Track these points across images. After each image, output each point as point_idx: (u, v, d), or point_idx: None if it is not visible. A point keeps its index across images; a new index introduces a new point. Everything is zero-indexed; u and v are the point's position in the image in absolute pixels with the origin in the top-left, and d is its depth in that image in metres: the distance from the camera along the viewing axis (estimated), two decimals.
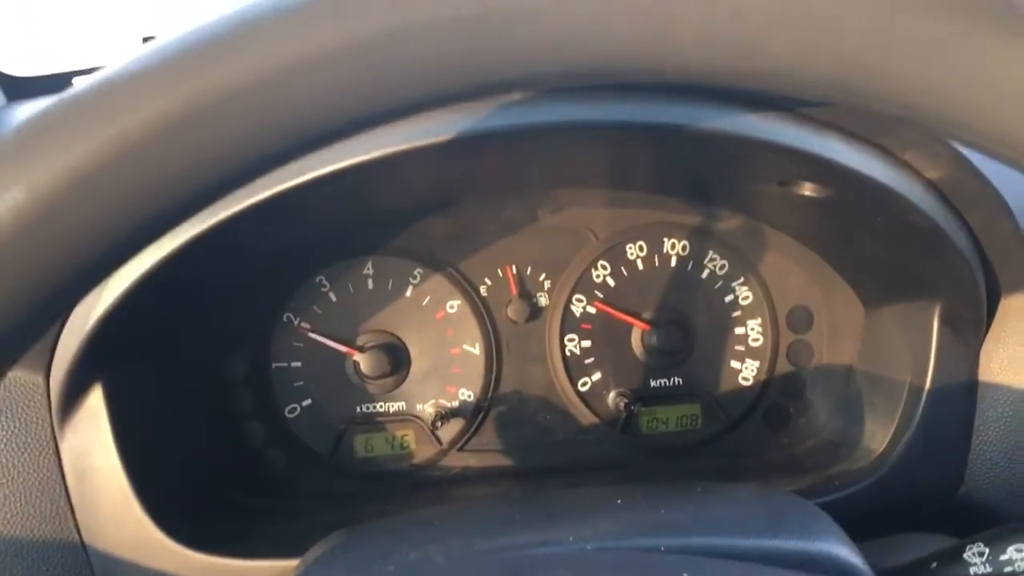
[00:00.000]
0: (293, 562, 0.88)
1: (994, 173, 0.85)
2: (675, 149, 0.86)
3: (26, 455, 0.89)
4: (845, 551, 0.69)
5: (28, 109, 1.25)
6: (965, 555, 0.72)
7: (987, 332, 0.97)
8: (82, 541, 0.90)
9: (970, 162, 0.83)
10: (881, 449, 1.01)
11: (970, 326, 0.96)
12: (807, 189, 0.89)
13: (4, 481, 0.88)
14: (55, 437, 0.89)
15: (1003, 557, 0.71)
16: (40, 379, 0.89)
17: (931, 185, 0.84)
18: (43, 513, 0.89)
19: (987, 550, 0.72)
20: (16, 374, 0.89)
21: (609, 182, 1.07)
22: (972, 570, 0.71)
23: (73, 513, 0.90)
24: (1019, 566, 0.70)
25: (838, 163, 0.78)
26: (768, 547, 0.69)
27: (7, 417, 0.89)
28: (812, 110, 0.79)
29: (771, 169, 0.87)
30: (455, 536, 0.74)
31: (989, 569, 0.71)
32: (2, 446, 0.88)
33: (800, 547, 0.69)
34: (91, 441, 0.90)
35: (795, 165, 0.82)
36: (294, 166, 0.78)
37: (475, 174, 1.00)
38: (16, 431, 0.89)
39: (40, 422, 0.89)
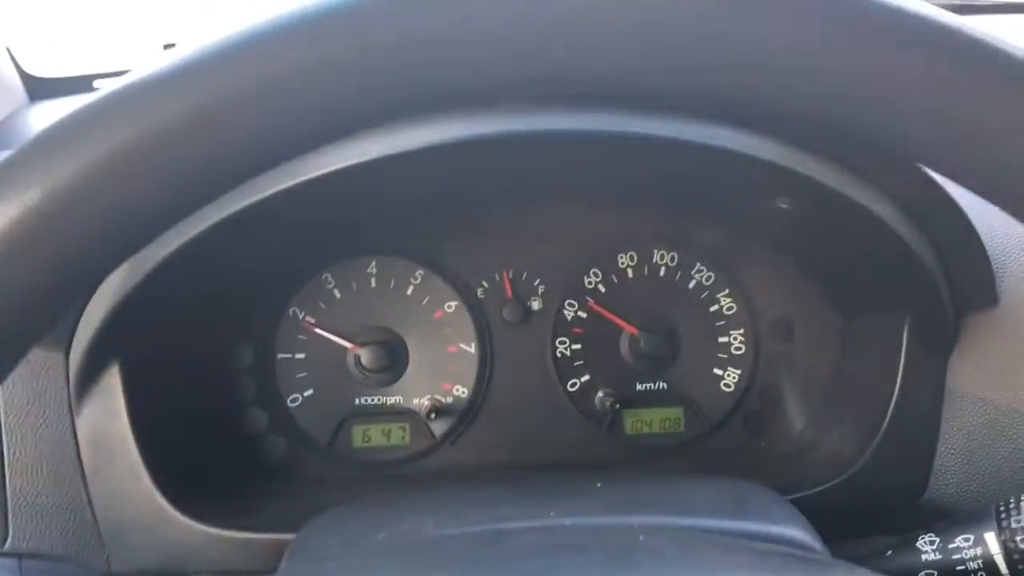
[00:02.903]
0: (291, 536, 0.94)
1: (960, 195, 0.90)
2: (660, 161, 0.92)
3: (44, 426, 0.95)
4: (802, 533, 0.75)
5: (50, 108, 1.33)
6: (918, 543, 0.78)
7: (955, 346, 1.03)
8: (92, 508, 0.96)
9: (937, 183, 0.89)
10: (850, 454, 1.06)
11: (938, 340, 1.02)
12: (785, 204, 0.95)
13: (22, 449, 0.94)
14: (71, 411, 0.95)
15: (951, 545, 0.77)
16: (60, 356, 0.95)
17: (901, 205, 0.90)
18: (57, 480, 0.95)
19: (938, 539, 0.78)
20: (37, 352, 0.95)
21: (601, 191, 1.14)
22: (924, 557, 0.77)
23: (85, 482, 0.95)
24: (966, 553, 0.75)
25: (814, 180, 0.84)
26: (732, 527, 0.75)
27: (27, 390, 0.94)
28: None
29: (752, 183, 0.93)
30: (445, 511, 0.80)
31: (939, 556, 0.77)
32: (21, 417, 0.94)
33: (761, 528, 0.75)
34: (106, 416, 0.95)
35: (774, 180, 0.88)
36: (296, 167, 0.84)
37: (476, 179, 1.07)
38: (35, 404, 0.95)
39: (58, 396, 0.95)
